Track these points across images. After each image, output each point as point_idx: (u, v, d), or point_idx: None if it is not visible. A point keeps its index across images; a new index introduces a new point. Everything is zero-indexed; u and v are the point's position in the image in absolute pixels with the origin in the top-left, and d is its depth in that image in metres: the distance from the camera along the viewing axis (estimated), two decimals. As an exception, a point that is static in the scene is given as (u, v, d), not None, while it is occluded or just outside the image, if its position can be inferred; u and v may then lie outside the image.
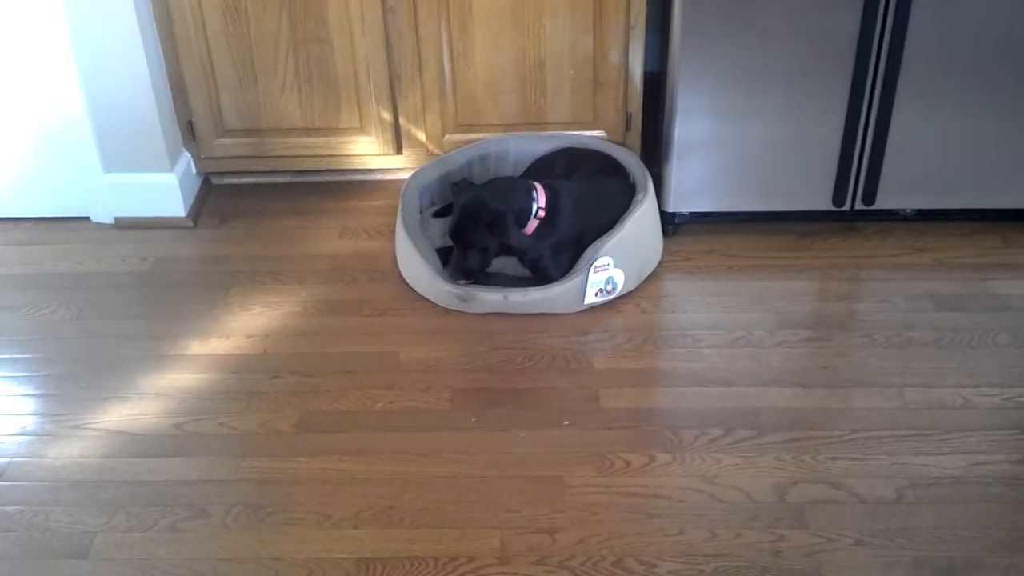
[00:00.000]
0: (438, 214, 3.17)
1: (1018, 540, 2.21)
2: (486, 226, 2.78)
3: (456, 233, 2.82)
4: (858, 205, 3.04)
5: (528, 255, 2.89)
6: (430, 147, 3.32)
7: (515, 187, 2.89)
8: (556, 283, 2.83)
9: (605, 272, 2.83)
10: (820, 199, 3.05)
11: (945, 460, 2.39)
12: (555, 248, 2.88)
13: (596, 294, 2.85)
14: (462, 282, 2.85)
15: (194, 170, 3.37)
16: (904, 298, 2.89)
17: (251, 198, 3.42)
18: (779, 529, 2.25)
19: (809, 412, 2.54)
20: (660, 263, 3.03)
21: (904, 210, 3.11)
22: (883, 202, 3.04)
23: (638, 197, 2.96)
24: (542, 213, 2.84)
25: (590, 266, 2.81)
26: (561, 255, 2.88)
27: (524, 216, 2.83)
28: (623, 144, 3.26)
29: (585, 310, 2.87)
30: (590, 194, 2.94)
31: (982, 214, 3.12)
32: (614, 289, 2.87)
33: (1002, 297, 2.88)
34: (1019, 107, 2.88)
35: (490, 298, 2.83)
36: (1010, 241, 3.09)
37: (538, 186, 2.87)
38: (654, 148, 3.21)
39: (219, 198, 3.43)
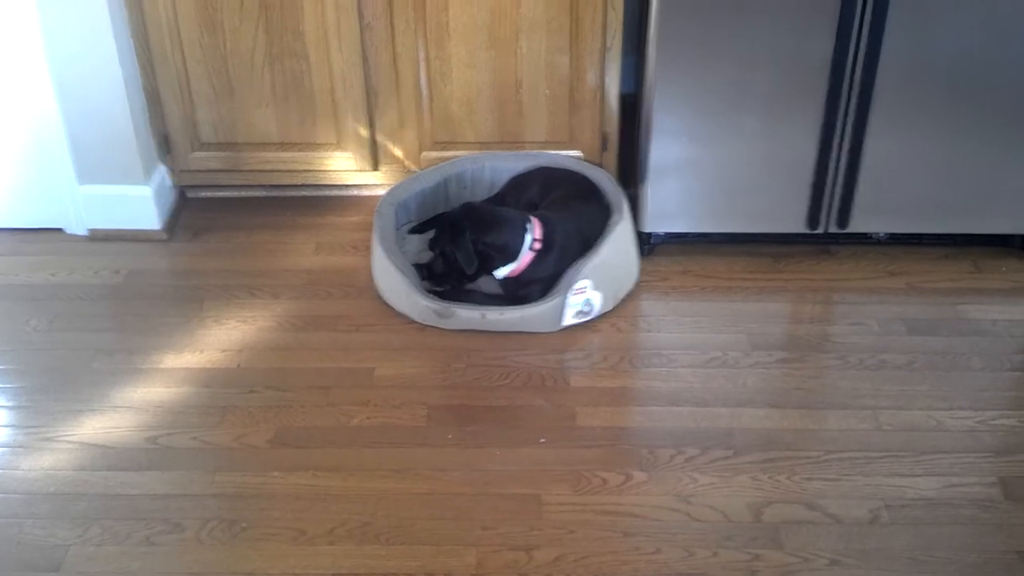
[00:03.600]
0: (414, 230, 3.16)
1: (990, 562, 2.23)
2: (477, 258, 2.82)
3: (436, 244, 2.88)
4: (832, 228, 3.07)
5: (519, 291, 2.90)
6: (407, 163, 3.32)
7: (507, 220, 2.88)
8: (534, 304, 2.84)
9: (583, 295, 2.83)
10: (794, 222, 3.07)
11: (919, 482, 2.41)
12: (545, 284, 2.88)
13: (574, 316, 2.86)
14: (440, 289, 2.88)
15: (169, 183, 3.36)
16: (877, 321, 2.91)
17: (226, 212, 3.40)
18: (754, 549, 2.25)
19: (784, 433, 2.55)
20: (636, 283, 3.04)
21: (877, 234, 3.14)
22: (856, 225, 3.07)
23: (614, 218, 2.97)
24: (538, 245, 2.85)
25: (569, 289, 2.81)
26: (546, 288, 2.89)
27: (515, 249, 2.84)
28: (599, 164, 3.28)
29: (562, 329, 2.87)
30: (577, 228, 2.93)
31: (953, 239, 3.15)
32: (591, 311, 2.88)
33: (973, 322, 2.91)
34: (991, 132, 2.92)
35: (467, 315, 2.83)
36: (981, 266, 3.12)
37: (533, 219, 2.87)
38: (630, 169, 3.22)
39: (194, 211, 3.41)
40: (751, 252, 3.17)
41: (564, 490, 2.40)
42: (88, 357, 2.80)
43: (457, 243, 2.80)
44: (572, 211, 2.97)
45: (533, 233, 2.84)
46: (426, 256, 3.02)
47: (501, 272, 2.87)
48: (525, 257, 2.84)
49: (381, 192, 3.26)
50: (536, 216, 2.89)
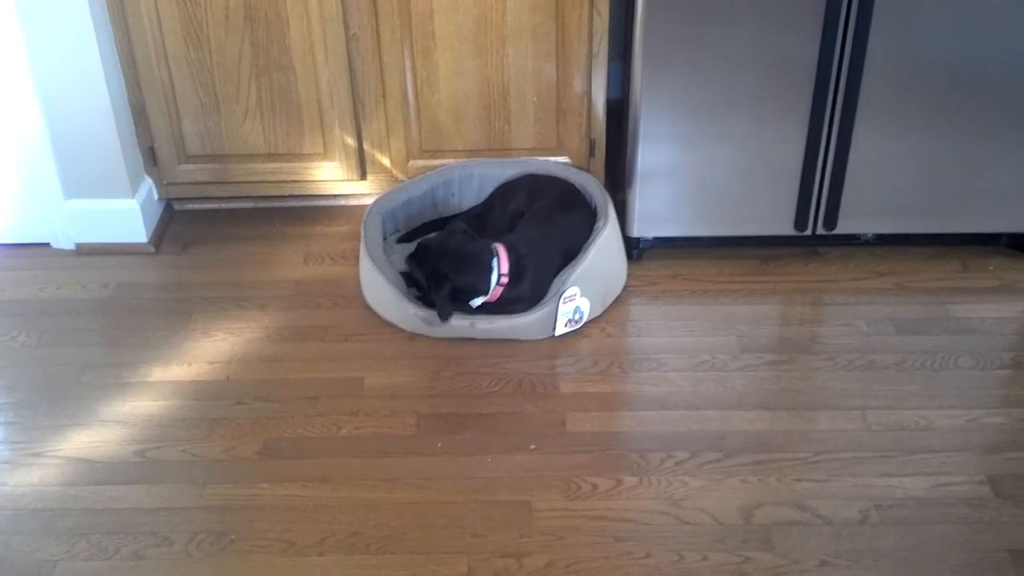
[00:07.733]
0: (403, 239, 3.16)
1: (981, 561, 2.22)
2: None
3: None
4: (819, 230, 3.07)
5: (502, 311, 2.87)
6: (394, 172, 3.31)
7: (474, 260, 2.82)
8: (524, 312, 2.83)
9: (573, 302, 2.83)
10: (782, 224, 3.07)
11: (908, 481, 2.41)
12: (526, 303, 2.86)
13: (565, 324, 2.85)
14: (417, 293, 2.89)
15: (156, 196, 3.35)
16: (866, 322, 2.91)
17: (214, 224, 3.40)
18: (745, 551, 2.25)
19: (773, 435, 2.55)
20: (625, 288, 3.04)
21: (865, 235, 3.14)
22: (844, 227, 3.07)
23: (599, 224, 2.97)
24: (505, 279, 2.82)
25: (559, 297, 2.81)
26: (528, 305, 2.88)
27: (483, 288, 2.81)
28: (587, 170, 3.27)
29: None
30: (559, 247, 2.91)
31: (941, 239, 3.15)
32: (581, 318, 2.87)
33: (962, 320, 2.91)
34: (977, 132, 2.92)
35: (457, 324, 2.83)
36: (969, 265, 3.12)
37: (500, 251, 2.82)
38: (618, 174, 3.22)
39: (181, 224, 3.41)
40: (739, 255, 3.17)
41: (554, 496, 2.40)
42: (76, 371, 2.79)
43: (436, 291, 2.76)
44: (551, 225, 2.94)
45: (500, 268, 2.81)
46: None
47: (476, 302, 2.86)
48: (495, 291, 2.83)
49: (369, 201, 3.25)
50: (504, 245, 2.84)
